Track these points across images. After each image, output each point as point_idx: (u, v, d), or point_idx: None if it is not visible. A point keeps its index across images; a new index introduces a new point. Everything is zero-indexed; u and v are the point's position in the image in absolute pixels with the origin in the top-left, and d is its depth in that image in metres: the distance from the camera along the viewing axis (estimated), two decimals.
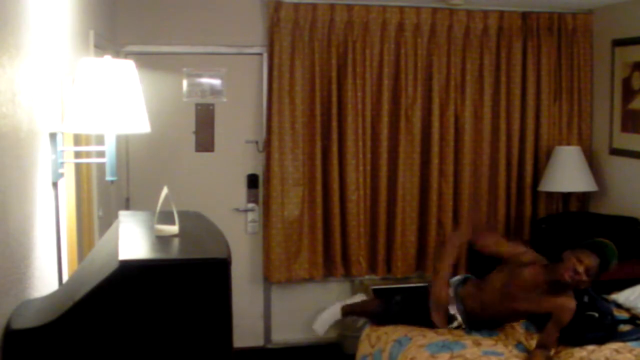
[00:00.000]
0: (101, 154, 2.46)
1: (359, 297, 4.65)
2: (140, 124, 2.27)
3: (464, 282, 3.92)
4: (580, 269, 3.44)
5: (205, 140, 5.17)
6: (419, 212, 5.30)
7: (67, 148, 2.49)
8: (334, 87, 5.07)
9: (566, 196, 5.41)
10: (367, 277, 5.32)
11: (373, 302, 4.50)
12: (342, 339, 5.16)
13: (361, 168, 5.14)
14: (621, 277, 4.56)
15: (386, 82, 5.15)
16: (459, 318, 3.77)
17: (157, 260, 1.67)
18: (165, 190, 1.95)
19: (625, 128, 5.09)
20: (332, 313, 4.48)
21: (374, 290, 5.12)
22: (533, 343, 3.61)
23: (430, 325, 3.77)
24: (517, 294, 3.60)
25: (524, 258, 3.68)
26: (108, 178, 2.36)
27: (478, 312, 3.74)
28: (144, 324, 1.59)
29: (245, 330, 5.19)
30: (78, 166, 2.78)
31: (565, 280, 3.45)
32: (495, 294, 3.69)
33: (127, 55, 4.86)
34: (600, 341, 3.62)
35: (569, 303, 3.51)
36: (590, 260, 3.46)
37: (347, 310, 4.45)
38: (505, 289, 3.65)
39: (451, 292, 3.81)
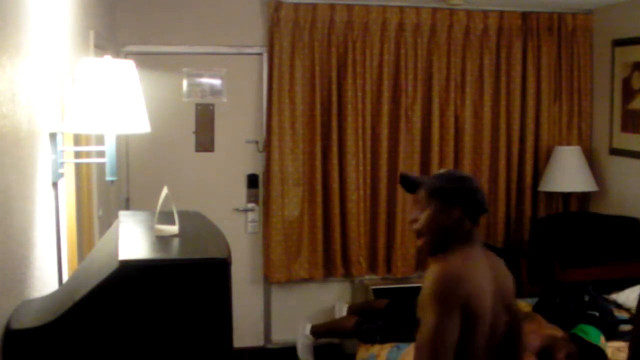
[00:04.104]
0: (101, 154, 2.46)
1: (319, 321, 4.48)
2: (140, 124, 2.27)
3: None
4: None
5: (205, 140, 5.17)
6: None
7: (67, 148, 2.49)
8: (334, 87, 5.07)
9: (566, 196, 5.40)
10: (367, 277, 5.32)
11: (347, 321, 4.32)
12: (342, 339, 5.16)
13: (361, 168, 5.14)
14: (621, 277, 4.57)
15: (386, 82, 5.15)
16: None
17: (157, 260, 1.67)
18: (165, 191, 1.95)
19: (625, 128, 5.09)
20: (303, 338, 4.37)
21: (374, 290, 5.12)
22: None
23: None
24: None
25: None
26: (108, 178, 2.35)
27: None
28: (144, 324, 1.59)
29: (245, 330, 5.19)
30: (78, 166, 2.78)
31: None
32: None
33: (127, 55, 4.86)
34: None
35: None
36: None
37: (317, 332, 4.35)
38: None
39: None
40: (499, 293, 2.32)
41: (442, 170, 2.50)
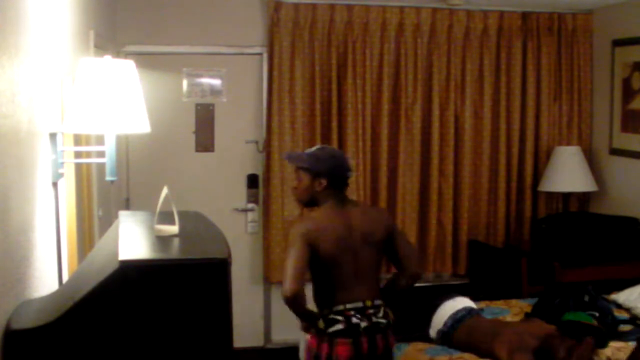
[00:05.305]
0: (101, 154, 2.46)
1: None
2: (140, 124, 2.27)
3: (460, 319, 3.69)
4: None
5: (205, 140, 5.17)
6: (419, 212, 5.30)
7: (67, 148, 2.49)
8: (334, 87, 5.07)
9: (566, 196, 5.40)
10: None
11: None
12: None
13: (361, 168, 5.13)
14: (621, 277, 4.57)
15: (386, 82, 5.15)
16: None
17: (157, 260, 1.67)
18: (165, 191, 1.95)
19: (625, 128, 5.09)
20: (305, 342, 4.35)
21: None
22: None
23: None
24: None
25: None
26: (108, 178, 2.35)
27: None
28: (144, 324, 1.59)
29: (245, 330, 5.19)
30: (78, 166, 2.78)
31: None
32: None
33: (127, 55, 4.85)
34: None
35: None
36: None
37: None
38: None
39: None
40: (355, 231, 3.19)
41: (315, 148, 3.31)
